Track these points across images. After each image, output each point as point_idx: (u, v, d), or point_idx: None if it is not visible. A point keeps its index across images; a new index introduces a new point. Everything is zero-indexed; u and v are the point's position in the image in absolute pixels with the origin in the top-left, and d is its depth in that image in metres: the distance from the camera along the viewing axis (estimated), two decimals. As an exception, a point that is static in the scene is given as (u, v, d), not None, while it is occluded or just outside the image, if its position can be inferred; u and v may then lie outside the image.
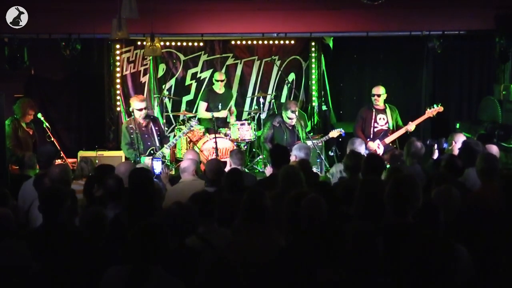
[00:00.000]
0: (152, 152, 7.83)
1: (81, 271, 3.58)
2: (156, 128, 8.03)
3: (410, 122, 8.29)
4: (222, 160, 8.42)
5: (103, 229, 4.12)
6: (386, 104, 8.53)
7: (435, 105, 8.42)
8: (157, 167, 6.87)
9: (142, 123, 7.98)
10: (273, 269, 3.60)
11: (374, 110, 8.45)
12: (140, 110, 7.91)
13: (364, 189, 3.97)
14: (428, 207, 3.74)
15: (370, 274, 3.12)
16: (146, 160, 7.72)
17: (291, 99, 10.35)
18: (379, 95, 8.42)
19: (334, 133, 8.68)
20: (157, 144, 7.94)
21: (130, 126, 7.91)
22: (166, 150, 7.97)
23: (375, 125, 8.41)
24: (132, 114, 7.97)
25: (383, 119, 8.43)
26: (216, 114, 9.09)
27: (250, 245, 3.83)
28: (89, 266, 3.64)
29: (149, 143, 7.91)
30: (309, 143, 8.08)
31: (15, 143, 8.01)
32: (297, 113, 8.48)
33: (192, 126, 8.29)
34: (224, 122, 9.59)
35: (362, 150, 6.65)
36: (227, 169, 6.12)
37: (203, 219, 4.08)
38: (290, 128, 8.58)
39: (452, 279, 2.89)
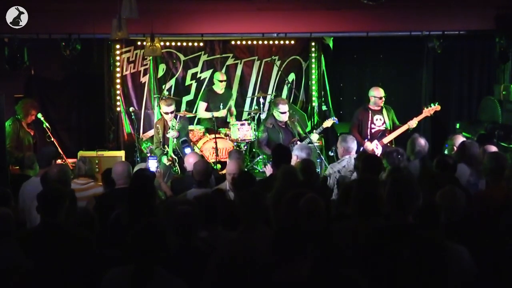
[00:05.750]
0: (165, 151, 8.08)
1: (76, 271, 3.57)
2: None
3: (410, 121, 8.23)
4: (223, 160, 8.44)
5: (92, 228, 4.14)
6: (382, 105, 8.50)
7: (432, 104, 8.41)
8: (152, 165, 6.89)
9: (167, 122, 8.16)
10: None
11: (370, 111, 8.42)
12: (166, 114, 8.15)
13: (361, 188, 3.96)
14: (428, 208, 3.73)
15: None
16: (164, 159, 7.99)
17: (291, 99, 10.36)
18: (382, 97, 8.38)
19: (328, 123, 8.62)
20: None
21: (157, 125, 8.24)
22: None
23: (372, 126, 8.37)
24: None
25: (380, 119, 8.40)
26: (215, 114, 9.07)
27: (249, 245, 3.82)
28: (85, 266, 3.63)
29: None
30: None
31: (14, 144, 8.00)
32: (287, 105, 8.46)
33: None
34: (224, 122, 9.58)
35: (354, 146, 6.67)
36: (227, 169, 6.10)
37: (207, 223, 4.07)
38: (284, 127, 8.54)
39: (444, 280, 2.89)
